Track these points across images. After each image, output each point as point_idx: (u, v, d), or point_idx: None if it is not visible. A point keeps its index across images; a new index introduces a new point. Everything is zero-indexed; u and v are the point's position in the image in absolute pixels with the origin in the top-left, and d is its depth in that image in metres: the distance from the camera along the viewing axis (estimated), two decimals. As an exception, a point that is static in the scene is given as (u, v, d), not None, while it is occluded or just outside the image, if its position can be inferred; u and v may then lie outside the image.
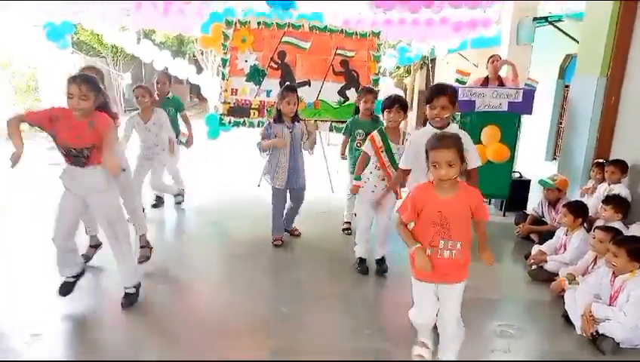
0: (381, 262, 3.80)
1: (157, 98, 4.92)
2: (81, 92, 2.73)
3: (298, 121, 4.13)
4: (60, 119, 2.79)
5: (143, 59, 9.15)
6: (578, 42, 5.38)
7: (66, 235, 2.99)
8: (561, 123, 6.91)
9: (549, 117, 7.10)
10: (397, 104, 3.49)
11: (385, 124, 3.61)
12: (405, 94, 15.40)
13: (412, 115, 14.78)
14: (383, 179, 3.55)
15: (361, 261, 3.83)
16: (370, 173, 3.60)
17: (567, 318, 3.08)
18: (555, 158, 6.98)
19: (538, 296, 3.53)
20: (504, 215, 5.42)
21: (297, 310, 3.19)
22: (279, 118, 4.04)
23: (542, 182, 4.69)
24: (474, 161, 2.95)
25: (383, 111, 3.57)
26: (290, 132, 4.05)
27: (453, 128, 2.96)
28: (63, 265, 3.10)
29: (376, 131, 3.57)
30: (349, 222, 4.71)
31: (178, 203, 5.40)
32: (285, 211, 4.37)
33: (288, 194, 4.28)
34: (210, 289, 3.59)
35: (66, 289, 3.13)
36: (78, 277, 3.21)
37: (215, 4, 6.55)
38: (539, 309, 3.34)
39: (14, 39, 11.96)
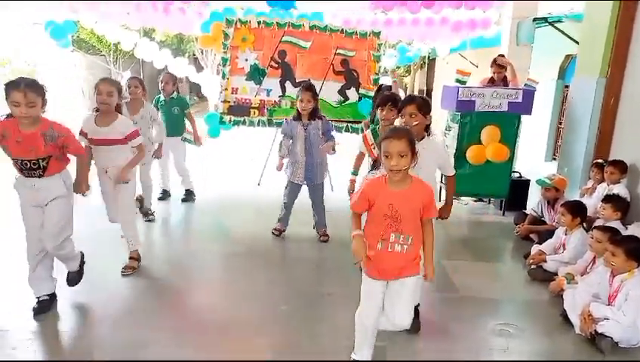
0: None
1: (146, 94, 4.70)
2: (28, 99, 2.60)
3: (316, 119, 4.19)
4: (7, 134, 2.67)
5: (143, 58, 9.14)
6: (578, 43, 5.39)
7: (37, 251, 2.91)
8: (560, 123, 6.92)
9: (549, 117, 7.11)
10: (389, 102, 3.43)
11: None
12: (405, 93, 15.43)
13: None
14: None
15: None
16: (369, 171, 3.60)
17: (565, 317, 3.10)
18: (554, 158, 6.96)
19: (537, 295, 3.54)
20: (503, 214, 5.43)
21: (296, 308, 3.20)
22: (298, 115, 4.16)
23: (539, 182, 4.71)
24: (448, 168, 3.10)
25: (376, 109, 3.57)
26: (305, 129, 4.16)
27: (433, 141, 2.98)
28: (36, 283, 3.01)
29: (369, 130, 3.56)
30: None
31: (148, 218, 4.80)
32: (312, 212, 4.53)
33: (307, 191, 4.41)
34: (209, 286, 3.60)
35: (41, 309, 2.97)
36: (53, 296, 3.07)
37: (215, 4, 6.57)
38: (538, 308, 3.35)
39: (14, 37, 11.95)
